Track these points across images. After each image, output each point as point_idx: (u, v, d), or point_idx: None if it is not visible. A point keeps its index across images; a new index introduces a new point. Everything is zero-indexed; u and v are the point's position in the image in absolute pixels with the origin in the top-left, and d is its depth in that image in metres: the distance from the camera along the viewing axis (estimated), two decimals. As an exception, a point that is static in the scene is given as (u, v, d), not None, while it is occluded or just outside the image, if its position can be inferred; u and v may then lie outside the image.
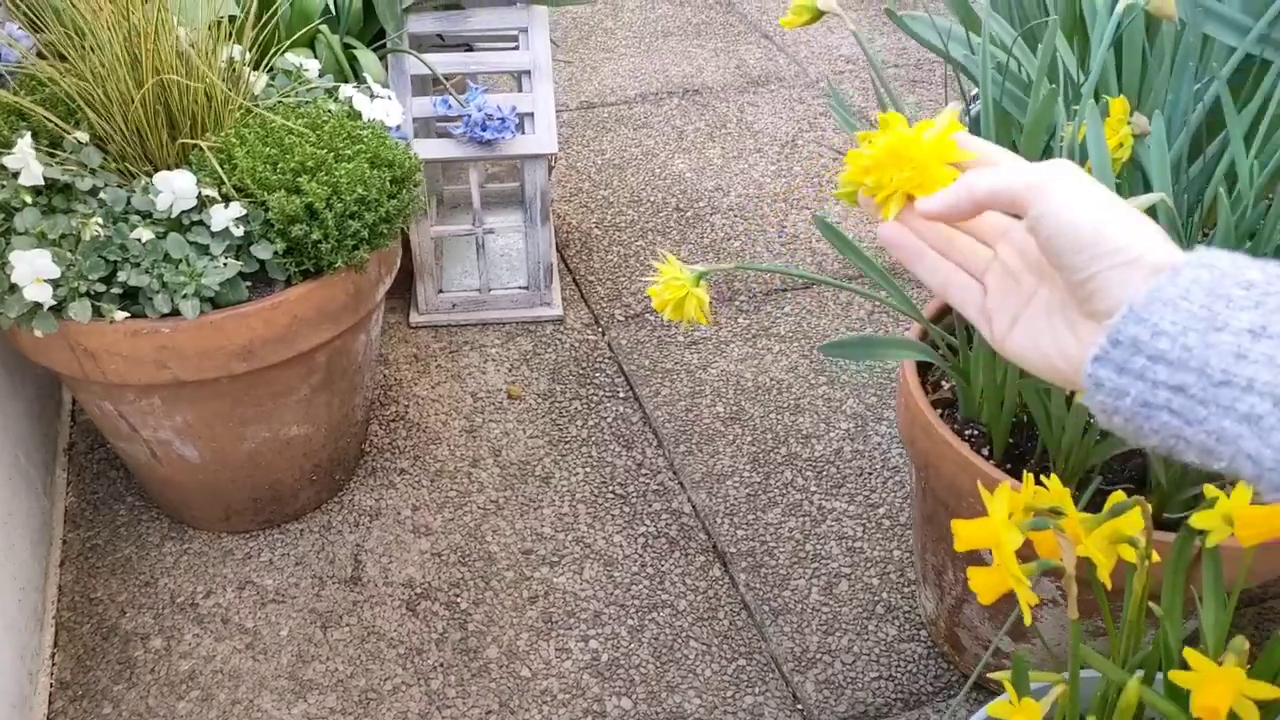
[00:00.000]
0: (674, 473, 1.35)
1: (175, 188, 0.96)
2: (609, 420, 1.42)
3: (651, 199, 1.83)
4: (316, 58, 1.26)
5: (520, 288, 1.58)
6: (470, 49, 1.57)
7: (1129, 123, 0.83)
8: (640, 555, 1.25)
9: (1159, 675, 0.74)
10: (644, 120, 2.06)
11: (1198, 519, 0.68)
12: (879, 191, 0.45)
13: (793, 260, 1.71)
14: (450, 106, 1.39)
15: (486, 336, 1.56)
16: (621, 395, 1.46)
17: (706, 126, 2.04)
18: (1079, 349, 0.40)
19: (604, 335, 1.56)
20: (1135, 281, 0.37)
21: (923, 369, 1.04)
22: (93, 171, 1.01)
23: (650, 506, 1.31)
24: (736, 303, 1.62)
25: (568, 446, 1.38)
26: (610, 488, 1.33)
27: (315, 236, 0.98)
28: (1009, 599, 1.01)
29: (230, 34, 1.10)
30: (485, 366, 1.50)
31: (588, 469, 1.35)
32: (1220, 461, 0.35)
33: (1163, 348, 0.35)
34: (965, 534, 0.63)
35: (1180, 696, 0.69)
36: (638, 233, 1.76)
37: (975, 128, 0.96)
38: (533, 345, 1.54)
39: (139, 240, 0.97)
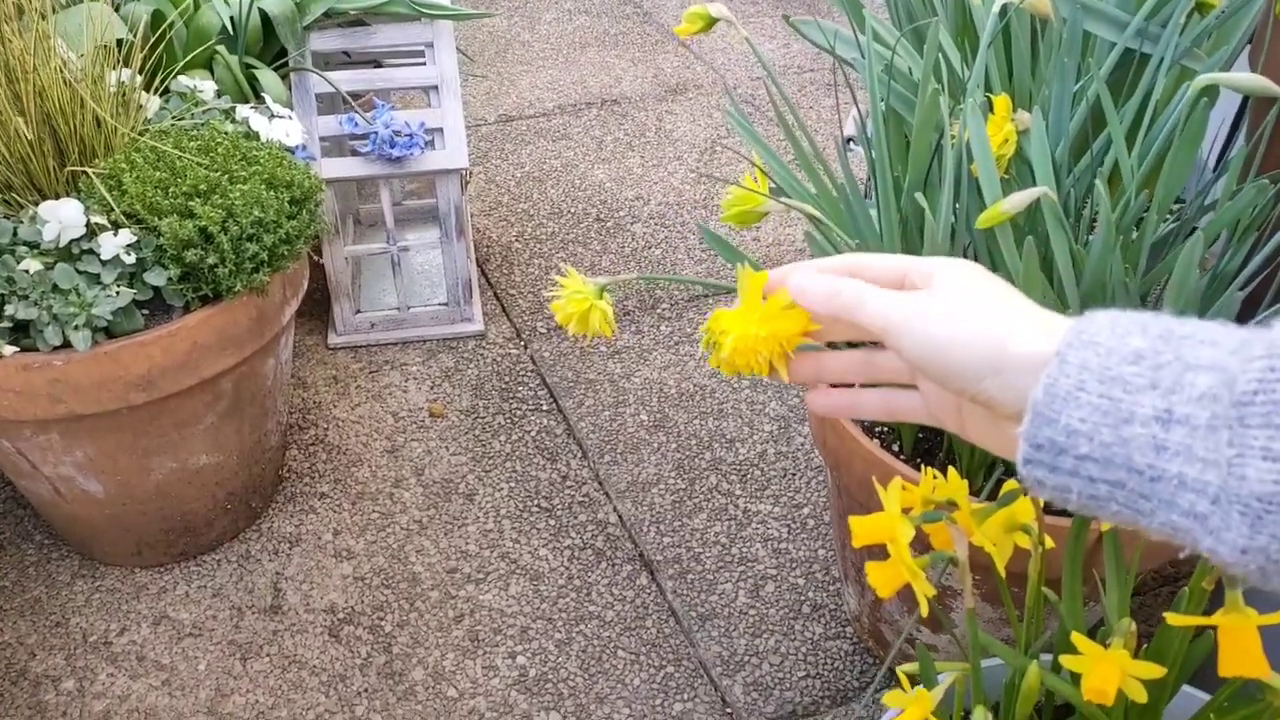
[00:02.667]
0: (599, 483, 1.35)
1: (62, 217, 0.94)
2: (533, 434, 1.41)
3: (572, 210, 1.83)
4: (214, 78, 1.24)
5: (440, 304, 1.57)
6: (380, 65, 1.56)
7: (1012, 120, 0.85)
8: (567, 568, 1.24)
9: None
10: (563, 132, 2.05)
11: (1091, 503, 0.69)
12: (761, 368, 0.46)
13: (714, 267, 1.72)
14: (357, 124, 1.38)
15: (407, 355, 1.54)
16: (545, 408, 1.45)
17: (626, 136, 2.04)
18: (1010, 445, 0.38)
19: (526, 348, 1.55)
20: (1020, 382, 0.36)
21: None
22: (-23, 203, 0.98)
23: (576, 518, 1.30)
24: (659, 310, 1.62)
25: (491, 462, 1.37)
26: (535, 501, 1.32)
27: (211, 261, 0.96)
28: (924, 592, 1.02)
29: (120, 58, 1.07)
30: (406, 385, 1.49)
31: (512, 484, 1.34)
32: (1185, 549, 0.33)
33: (1083, 449, 0.34)
34: (862, 530, 0.63)
35: (1080, 679, 0.70)
36: (559, 244, 1.75)
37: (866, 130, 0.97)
38: (454, 361, 1.53)
39: (26, 272, 0.94)
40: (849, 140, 1.55)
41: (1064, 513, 0.89)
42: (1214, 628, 0.60)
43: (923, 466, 0.78)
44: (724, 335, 0.46)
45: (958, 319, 0.38)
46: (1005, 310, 0.38)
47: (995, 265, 0.85)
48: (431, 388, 1.48)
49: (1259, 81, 0.74)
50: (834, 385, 0.49)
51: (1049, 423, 0.34)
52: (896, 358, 0.44)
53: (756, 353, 0.45)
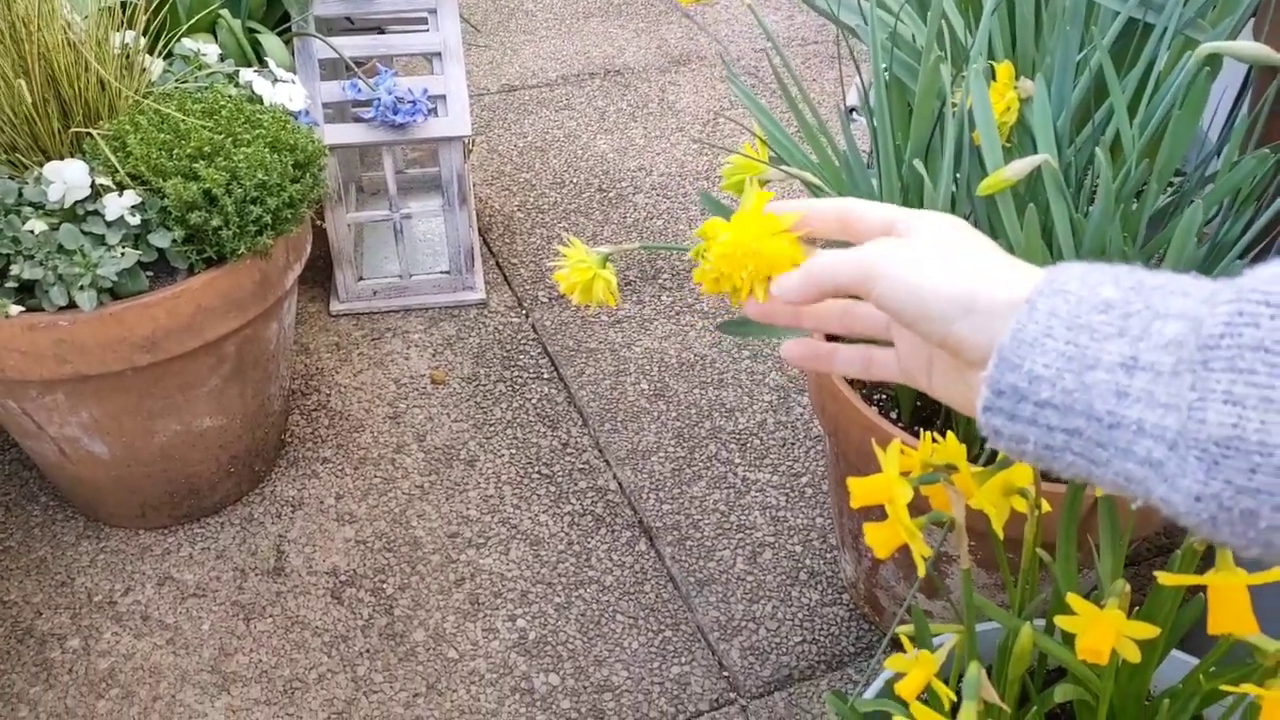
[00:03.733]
0: (599, 451, 1.36)
1: (67, 177, 0.94)
2: (534, 402, 1.42)
3: (574, 180, 1.83)
4: (218, 42, 1.24)
5: (442, 272, 1.57)
6: (383, 32, 1.55)
7: (1015, 87, 0.85)
8: (567, 533, 1.25)
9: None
10: (566, 102, 2.05)
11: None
12: (740, 289, 0.46)
13: (715, 237, 1.72)
14: (360, 91, 1.38)
15: (409, 322, 1.55)
16: (546, 376, 1.46)
17: (629, 107, 2.04)
18: (973, 395, 0.38)
19: (528, 317, 1.56)
20: (991, 325, 0.36)
21: (832, 337, 1.05)
22: (-18, 163, 0.99)
23: (576, 485, 1.31)
24: (660, 280, 1.63)
25: (493, 429, 1.38)
26: (536, 468, 1.33)
27: (215, 223, 0.97)
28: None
29: (124, 20, 1.07)
30: (408, 352, 1.49)
31: (513, 451, 1.35)
32: (1137, 500, 0.33)
33: (1045, 394, 0.34)
34: (860, 490, 0.64)
35: (1073, 641, 0.71)
36: (561, 214, 1.76)
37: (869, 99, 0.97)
38: (456, 330, 1.53)
39: (32, 232, 0.94)
40: (851, 110, 1.54)
41: (1061, 479, 0.90)
42: (1204, 591, 0.61)
43: (921, 432, 0.79)
44: (714, 240, 0.45)
45: (934, 262, 0.39)
46: (981, 258, 0.38)
47: (996, 233, 0.86)
48: (433, 355, 1.49)
49: (1262, 50, 0.74)
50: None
51: (1013, 368, 0.34)
52: (877, 311, 0.45)
53: (743, 265, 0.44)
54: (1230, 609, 0.55)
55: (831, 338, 0.72)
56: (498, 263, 1.65)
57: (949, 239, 0.40)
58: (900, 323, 0.40)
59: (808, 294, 0.42)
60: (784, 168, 0.88)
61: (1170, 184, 0.90)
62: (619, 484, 1.32)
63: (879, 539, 0.63)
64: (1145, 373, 0.32)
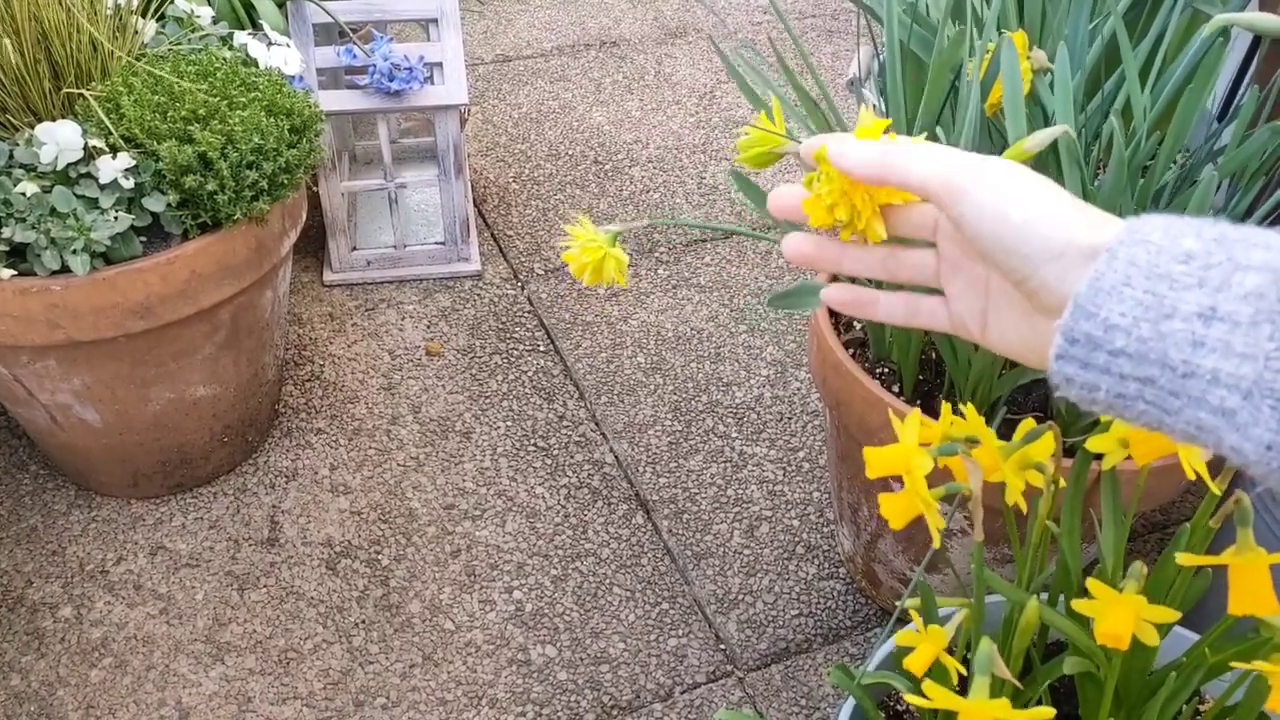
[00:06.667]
0: (596, 424, 1.35)
1: (59, 139, 0.92)
2: (530, 374, 1.41)
3: (570, 152, 1.81)
4: (210, 4, 1.21)
5: (437, 243, 1.55)
6: (377, -2, 1.53)
7: (1028, 57, 0.84)
8: (563, 506, 1.25)
9: (1062, 597, 0.76)
10: (561, 73, 2.03)
11: (1094, 443, 0.69)
12: (859, 217, 0.43)
13: (712, 211, 1.71)
14: (355, 56, 1.36)
15: (403, 293, 1.53)
16: (542, 349, 1.45)
17: (624, 79, 2.02)
18: (1042, 343, 0.38)
19: (523, 289, 1.54)
20: (1073, 272, 0.35)
21: (835, 311, 1.04)
22: (-29, 124, 0.97)
23: (572, 458, 1.30)
24: (656, 254, 1.62)
25: (488, 401, 1.37)
26: (532, 441, 1.32)
27: (211, 187, 0.95)
28: (920, 533, 1.03)
29: (115, -21, 1.05)
30: (403, 324, 1.48)
31: (509, 423, 1.34)
32: (1207, 448, 0.33)
33: (1119, 343, 0.33)
34: (876, 461, 0.63)
35: (1080, 616, 0.71)
36: (556, 186, 1.74)
37: (882, 72, 0.96)
38: (451, 301, 1.52)
39: (23, 194, 0.92)
40: (851, 82, 1.53)
41: (1068, 452, 0.90)
42: (1213, 568, 0.60)
43: (930, 408, 0.78)
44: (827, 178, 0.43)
45: (1027, 195, 0.37)
46: (1065, 198, 0.37)
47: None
48: (428, 327, 1.48)
49: (1276, 21, 0.74)
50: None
51: (1089, 316, 0.34)
52: (924, 255, 0.43)
53: (868, 189, 0.42)
54: (1252, 589, 0.55)
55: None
56: (493, 234, 1.64)
57: (1026, 175, 0.38)
58: (976, 248, 0.38)
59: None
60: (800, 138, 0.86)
61: (1174, 160, 0.89)
62: (615, 457, 1.31)
63: (895, 509, 0.63)
64: (1223, 323, 0.32)
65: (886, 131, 0.43)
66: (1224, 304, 0.32)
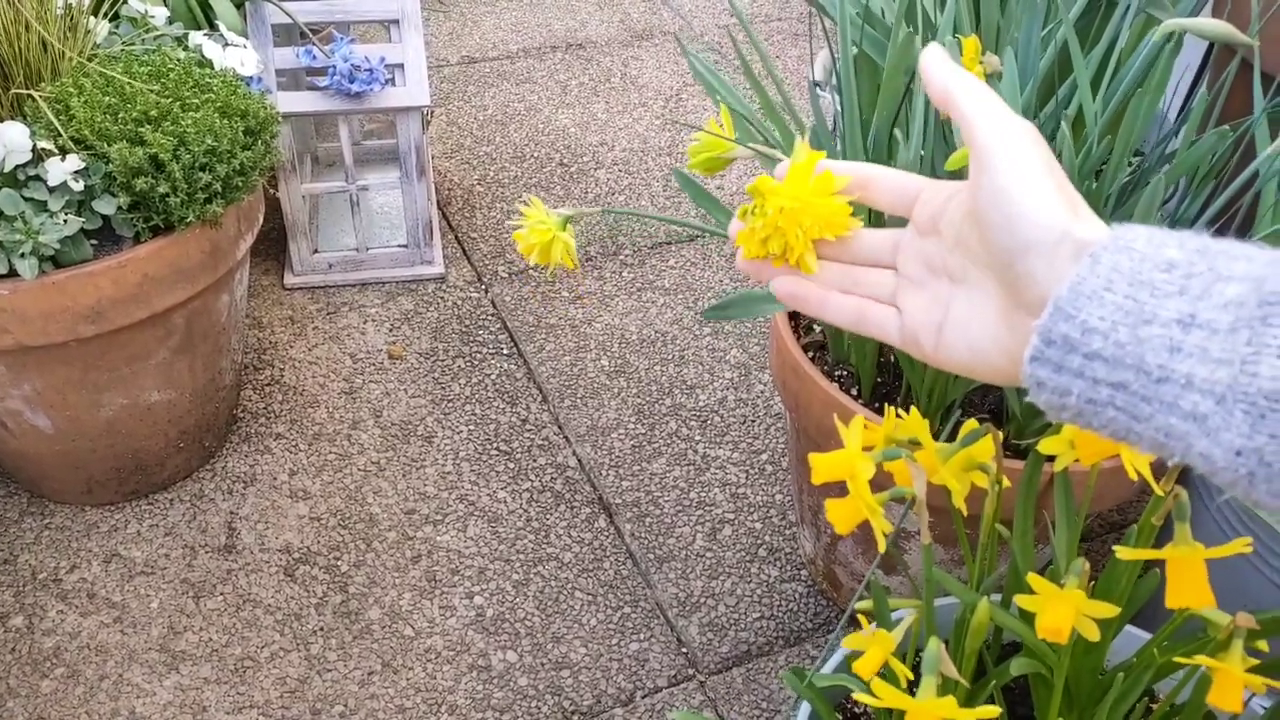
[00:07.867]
0: (559, 427, 1.35)
1: (7, 140, 0.91)
2: (493, 378, 1.41)
3: (535, 154, 1.81)
4: (166, 4, 1.20)
5: (400, 246, 1.54)
6: (338, -1, 1.52)
7: (981, 62, 0.84)
8: (525, 510, 1.24)
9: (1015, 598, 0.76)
10: (526, 75, 2.02)
11: (1045, 444, 0.70)
12: (791, 253, 0.43)
13: (678, 213, 1.71)
14: (315, 57, 1.34)
15: (366, 296, 1.52)
16: (505, 352, 1.44)
17: (590, 81, 2.01)
18: (1016, 344, 0.37)
19: (487, 292, 1.54)
20: (1060, 268, 0.35)
21: (795, 314, 1.04)
22: (-84, 125, 0.95)
23: (535, 462, 1.30)
24: (621, 257, 1.61)
25: (451, 405, 1.36)
26: (494, 445, 1.32)
27: (163, 189, 0.94)
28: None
29: (66, -22, 1.03)
30: (365, 327, 1.47)
31: (471, 427, 1.34)
32: (1174, 457, 0.33)
33: (1096, 345, 0.33)
34: (821, 466, 0.63)
35: (1031, 616, 0.71)
36: (521, 188, 1.73)
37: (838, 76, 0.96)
38: (414, 304, 1.51)
39: (-31, 197, 0.91)
40: (816, 84, 1.53)
41: (1018, 454, 0.90)
42: (1160, 567, 0.61)
43: (885, 408, 0.78)
44: (770, 196, 0.42)
45: (1038, 178, 0.37)
46: (1069, 192, 0.37)
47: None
48: (390, 330, 1.47)
49: (1223, 27, 0.74)
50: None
51: (1067, 319, 0.34)
52: (885, 275, 0.43)
53: (800, 223, 0.42)
54: (1188, 583, 0.55)
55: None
56: (457, 237, 1.63)
57: (1045, 157, 0.38)
58: (977, 215, 0.38)
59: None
60: (751, 145, 0.86)
61: (1129, 163, 0.90)
62: (578, 460, 1.30)
63: (840, 515, 0.63)
64: (1202, 330, 0.32)
65: (819, 164, 0.43)
66: (1204, 311, 0.32)
